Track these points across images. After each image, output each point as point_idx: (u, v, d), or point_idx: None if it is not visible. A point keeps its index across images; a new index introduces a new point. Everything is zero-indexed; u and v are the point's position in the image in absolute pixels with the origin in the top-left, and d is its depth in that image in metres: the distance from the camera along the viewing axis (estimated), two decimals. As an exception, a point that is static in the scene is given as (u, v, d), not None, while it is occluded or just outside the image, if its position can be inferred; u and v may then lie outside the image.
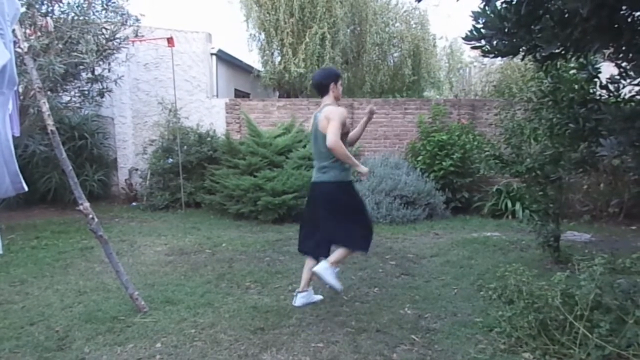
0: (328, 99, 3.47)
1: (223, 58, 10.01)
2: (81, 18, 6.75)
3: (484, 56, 2.82)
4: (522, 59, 2.77)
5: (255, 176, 7.08)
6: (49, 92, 6.51)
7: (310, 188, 3.64)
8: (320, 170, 3.46)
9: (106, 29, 7.20)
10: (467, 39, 2.61)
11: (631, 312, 2.46)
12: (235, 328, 3.13)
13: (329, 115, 3.29)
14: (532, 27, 2.41)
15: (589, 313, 2.53)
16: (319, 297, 3.67)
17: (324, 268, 3.32)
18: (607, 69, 3.48)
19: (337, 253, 3.40)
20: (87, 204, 3.37)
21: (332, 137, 3.20)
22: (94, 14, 7.04)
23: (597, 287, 2.56)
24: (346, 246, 3.41)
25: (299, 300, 3.54)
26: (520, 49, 2.58)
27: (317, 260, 3.44)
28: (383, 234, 6.08)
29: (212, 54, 9.36)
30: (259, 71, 11.27)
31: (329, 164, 3.40)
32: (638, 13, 2.37)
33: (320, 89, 3.49)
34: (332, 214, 3.40)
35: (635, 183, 6.48)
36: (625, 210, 6.76)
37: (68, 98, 7.61)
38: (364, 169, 3.52)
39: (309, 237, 3.54)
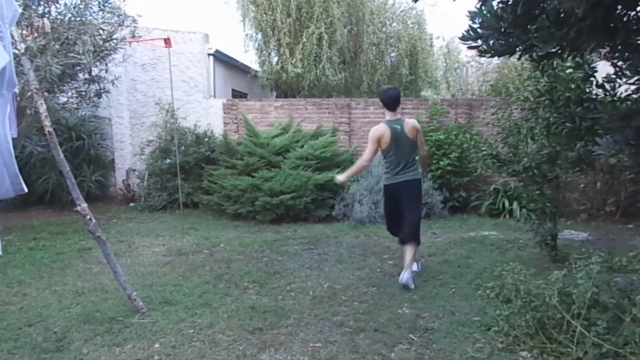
0: (398, 113, 4.29)
1: (220, 58, 10.00)
2: (78, 19, 6.74)
3: (481, 56, 2.83)
4: (519, 59, 2.77)
5: (253, 176, 7.08)
6: (46, 93, 6.50)
7: (402, 186, 4.13)
8: (411, 169, 4.12)
9: (103, 29, 7.20)
10: (463, 38, 2.62)
11: (628, 310, 2.47)
12: (233, 328, 3.14)
13: (417, 127, 4.19)
14: (529, 26, 2.42)
15: (586, 311, 2.55)
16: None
17: (409, 277, 3.96)
18: (603, 68, 3.49)
19: (411, 254, 4.05)
20: (84, 205, 3.37)
21: (425, 147, 4.52)
22: (90, 15, 7.04)
23: (594, 286, 2.58)
24: (417, 236, 4.18)
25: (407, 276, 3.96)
26: (517, 49, 2.59)
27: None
28: (381, 233, 6.08)
29: (209, 55, 9.35)
30: (256, 71, 11.26)
31: (415, 165, 4.19)
32: (633, 12, 2.38)
33: (397, 104, 4.26)
34: (419, 204, 4.28)
35: (632, 182, 6.50)
36: (622, 209, 6.78)
37: (65, 99, 7.59)
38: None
39: (402, 226, 4.19)
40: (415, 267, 4.26)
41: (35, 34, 6.02)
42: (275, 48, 10.81)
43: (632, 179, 6.31)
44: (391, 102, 4.19)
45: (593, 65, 3.61)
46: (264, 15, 10.42)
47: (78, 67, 6.92)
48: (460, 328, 3.10)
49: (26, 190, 2.99)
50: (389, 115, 4.18)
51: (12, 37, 3.03)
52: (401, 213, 4.15)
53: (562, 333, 2.61)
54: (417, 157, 4.27)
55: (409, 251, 4.05)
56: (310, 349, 2.85)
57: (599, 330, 2.45)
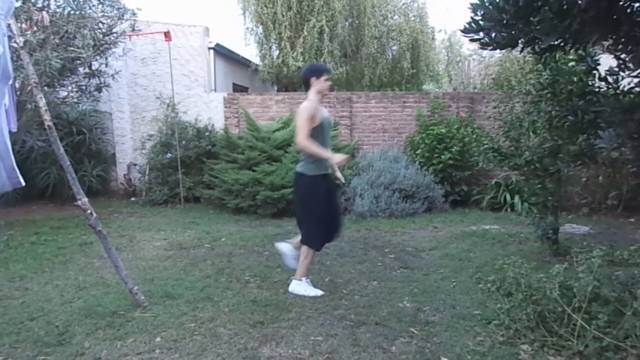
0: (309, 95, 3.62)
1: (221, 52, 9.96)
2: (77, 12, 6.71)
3: (483, 49, 2.81)
4: (521, 52, 2.76)
5: (254, 170, 7.08)
6: (45, 87, 6.48)
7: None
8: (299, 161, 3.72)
9: (103, 23, 7.16)
10: (465, 31, 2.60)
11: (629, 304, 2.46)
12: (234, 322, 3.14)
13: (298, 111, 3.49)
14: (531, 18, 2.40)
15: (587, 305, 2.54)
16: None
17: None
18: (606, 61, 3.47)
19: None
20: (85, 199, 3.37)
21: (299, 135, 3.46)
22: (90, 8, 7.00)
23: (596, 279, 2.57)
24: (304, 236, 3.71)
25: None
26: (519, 41, 2.57)
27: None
28: (382, 227, 6.08)
29: (209, 48, 9.32)
30: (257, 65, 11.23)
31: (302, 157, 3.64)
32: (637, 4, 2.36)
33: (304, 84, 3.67)
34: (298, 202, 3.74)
35: (634, 175, 6.48)
36: (624, 203, 6.76)
37: (65, 93, 7.57)
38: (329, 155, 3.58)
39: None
40: (292, 260, 3.85)
41: (35, 28, 5.99)
42: (276, 41, 10.76)
43: (634, 172, 6.30)
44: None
45: (596, 58, 3.59)
46: (265, 9, 10.37)
47: (78, 61, 6.90)
48: (461, 321, 3.10)
49: (23, 183, 2.99)
50: None
51: (11, 30, 3.02)
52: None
53: (562, 326, 2.61)
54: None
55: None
56: (311, 342, 2.85)
57: (599, 323, 2.45)
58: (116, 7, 7.23)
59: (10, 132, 3.19)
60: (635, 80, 2.77)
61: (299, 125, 3.42)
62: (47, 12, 6.29)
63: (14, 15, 3.06)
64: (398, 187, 6.84)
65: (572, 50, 2.83)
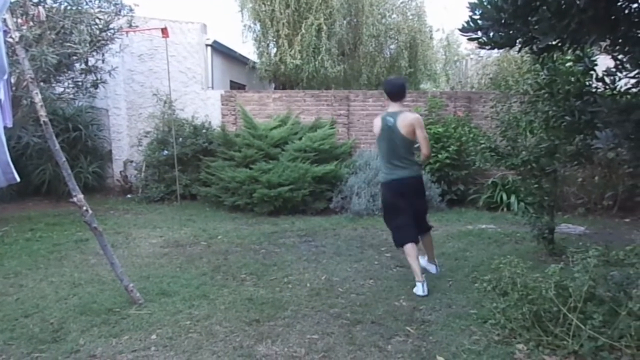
0: (400, 105, 3.87)
1: (218, 49, 9.93)
2: (74, 7, 6.68)
3: (481, 48, 2.80)
4: (519, 51, 2.75)
5: (250, 168, 7.07)
6: (41, 83, 6.45)
7: (399, 184, 3.85)
8: (405, 167, 3.82)
9: (99, 18, 7.14)
10: (463, 30, 2.59)
11: (624, 303, 2.48)
12: (230, 320, 3.14)
13: (413, 123, 3.74)
14: (529, 18, 2.39)
15: (583, 305, 2.55)
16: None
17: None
18: (604, 62, 3.47)
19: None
20: (80, 196, 3.35)
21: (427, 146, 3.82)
22: (86, 4, 6.98)
23: (591, 279, 2.58)
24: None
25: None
26: (517, 41, 2.56)
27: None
28: (378, 226, 6.08)
29: (207, 45, 9.28)
30: (254, 63, 11.19)
31: (414, 162, 3.88)
32: (635, 5, 2.36)
33: (396, 94, 3.89)
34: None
35: (630, 176, 6.50)
36: (620, 203, 6.79)
37: (61, 89, 7.55)
38: None
39: (408, 226, 3.83)
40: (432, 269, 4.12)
41: (31, 23, 5.96)
42: (274, 39, 10.73)
43: (630, 173, 6.31)
44: (389, 93, 3.93)
45: (593, 58, 3.59)
46: (263, 6, 10.33)
47: (74, 57, 6.87)
48: (457, 320, 3.11)
49: (18, 179, 2.97)
50: (389, 107, 3.89)
51: (7, 25, 2.99)
52: (405, 212, 3.82)
53: (558, 326, 2.62)
54: (414, 154, 3.85)
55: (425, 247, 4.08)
56: (307, 340, 2.85)
57: (594, 323, 2.46)
58: (113, 2, 7.21)
59: (5, 127, 3.18)
60: (633, 81, 2.77)
61: (426, 137, 3.79)
62: (44, 7, 6.27)
63: (10, 10, 3.03)
64: (395, 185, 6.83)
65: (569, 51, 2.83)
